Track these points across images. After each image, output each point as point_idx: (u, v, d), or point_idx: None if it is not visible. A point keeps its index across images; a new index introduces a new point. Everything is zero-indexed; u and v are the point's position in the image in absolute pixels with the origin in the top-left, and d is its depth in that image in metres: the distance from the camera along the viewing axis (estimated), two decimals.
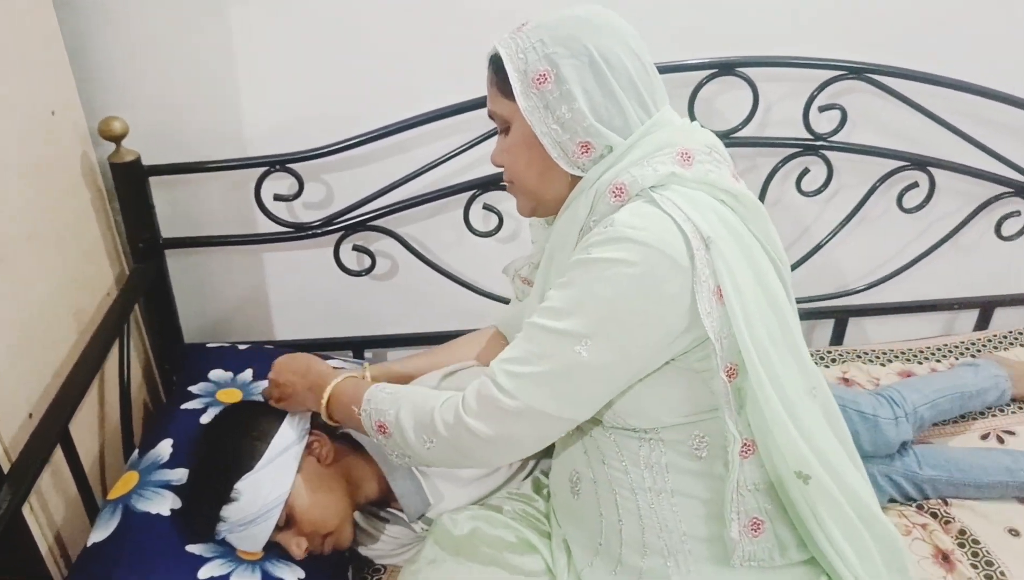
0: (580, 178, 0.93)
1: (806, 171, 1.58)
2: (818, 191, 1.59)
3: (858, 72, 1.48)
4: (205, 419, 1.26)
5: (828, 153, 1.56)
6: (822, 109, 1.52)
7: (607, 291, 0.85)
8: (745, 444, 0.92)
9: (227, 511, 1.04)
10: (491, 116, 0.98)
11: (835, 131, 1.54)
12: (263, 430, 1.09)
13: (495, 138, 1.45)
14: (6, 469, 1.03)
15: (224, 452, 1.07)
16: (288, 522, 1.08)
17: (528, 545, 1.07)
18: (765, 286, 0.90)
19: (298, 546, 1.08)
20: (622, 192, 0.89)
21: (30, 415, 1.11)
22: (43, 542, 1.11)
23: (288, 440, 1.09)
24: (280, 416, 1.12)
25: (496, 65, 0.93)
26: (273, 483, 1.05)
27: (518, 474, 1.19)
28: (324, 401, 1.05)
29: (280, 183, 1.45)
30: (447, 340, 1.58)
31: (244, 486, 1.04)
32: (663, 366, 0.91)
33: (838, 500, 0.92)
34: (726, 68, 1.45)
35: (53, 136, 1.25)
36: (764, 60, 1.46)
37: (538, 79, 0.89)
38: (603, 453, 1.00)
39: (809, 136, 1.54)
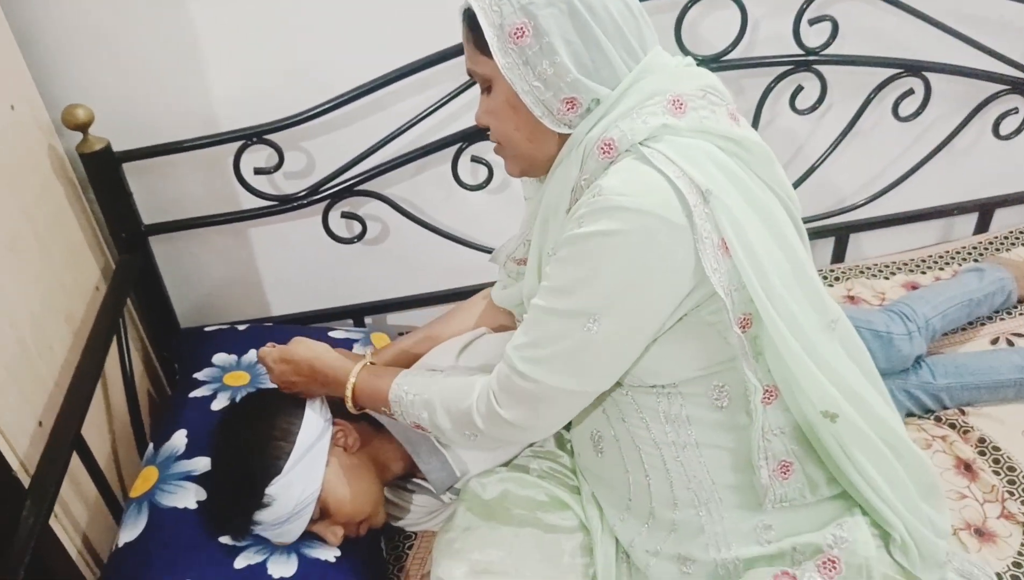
0: (569, 135, 0.89)
1: (799, 89, 1.53)
2: (812, 108, 1.55)
3: None
4: (216, 405, 1.24)
5: (821, 68, 1.51)
6: (812, 22, 1.46)
7: (606, 266, 0.83)
8: (767, 391, 0.91)
9: (261, 515, 1.03)
10: (471, 75, 0.93)
11: (827, 44, 1.49)
12: (286, 428, 1.06)
13: (476, 88, 1.41)
14: (25, 483, 1.01)
15: (250, 458, 1.04)
16: (322, 514, 1.07)
17: (560, 502, 1.07)
18: (773, 228, 0.87)
19: (334, 535, 1.08)
20: (611, 148, 0.85)
21: (40, 423, 1.09)
22: (72, 548, 1.11)
23: (313, 435, 1.07)
24: (301, 409, 1.09)
25: (471, 20, 0.87)
26: (304, 482, 1.04)
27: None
28: (349, 402, 1.07)
29: (258, 156, 1.40)
30: (446, 300, 1.57)
31: (275, 490, 1.02)
32: (675, 324, 0.89)
33: (867, 434, 0.91)
34: None
35: (16, 132, 1.19)
36: None
37: (515, 33, 0.84)
38: (622, 411, 0.99)
39: (800, 52, 1.49)
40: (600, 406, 1.01)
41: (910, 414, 1.34)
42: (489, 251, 1.58)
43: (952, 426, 1.31)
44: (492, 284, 1.25)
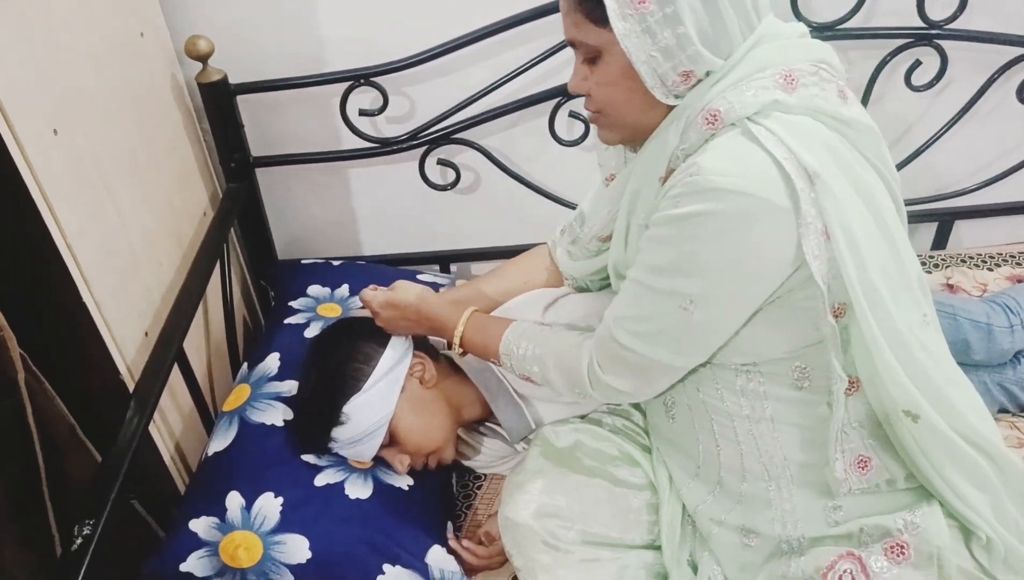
0: (673, 105, 0.86)
1: (917, 63, 1.46)
2: (929, 85, 1.48)
3: None
4: (309, 333, 1.30)
5: (943, 43, 1.43)
6: None
7: (704, 249, 0.81)
8: (851, 382, 0.89)
9: (336, 432, 1.08)
10: (572, 44, 0.88)
11: (952, 17, 1.41)
12: (368, 353, 1.11)
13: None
14: (130, 387, 1.09)
15: (332, 376, 1.10)
16: (392, 440, 1.12)
17: (630, 459, 1.08)
18: (876, 215, 0.84)
19: (400, 463, 1.12)
20: (716, 119, 0.82)
21: (146, 334, 1.17)
22: (166, 453, 1.19)
23: (392, 361, 1.11)
24: (386, 336, 1.14)
25: None
26: (378, 405, 1.08)
27: None
28: (457, 344, 1.09)
29: (364, 97, 1.43)
30: None
31: (351, 409, 1.07)
32: (767, 305, 0.87)
33: (950, 437, 0.88)
34: None
35: (142, 59, 1.25)
36: None
37: None
38: (699, 380, 0.98)
39: (923, 24, 1.41)
40: None
41: (1003, 410, 1.29)
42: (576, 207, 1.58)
43: None
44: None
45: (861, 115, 0.86)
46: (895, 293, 0.85)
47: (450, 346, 1.11)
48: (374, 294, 1.14)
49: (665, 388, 0.99)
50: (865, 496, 0.93)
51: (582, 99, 1.41)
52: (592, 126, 1.44)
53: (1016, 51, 1.46)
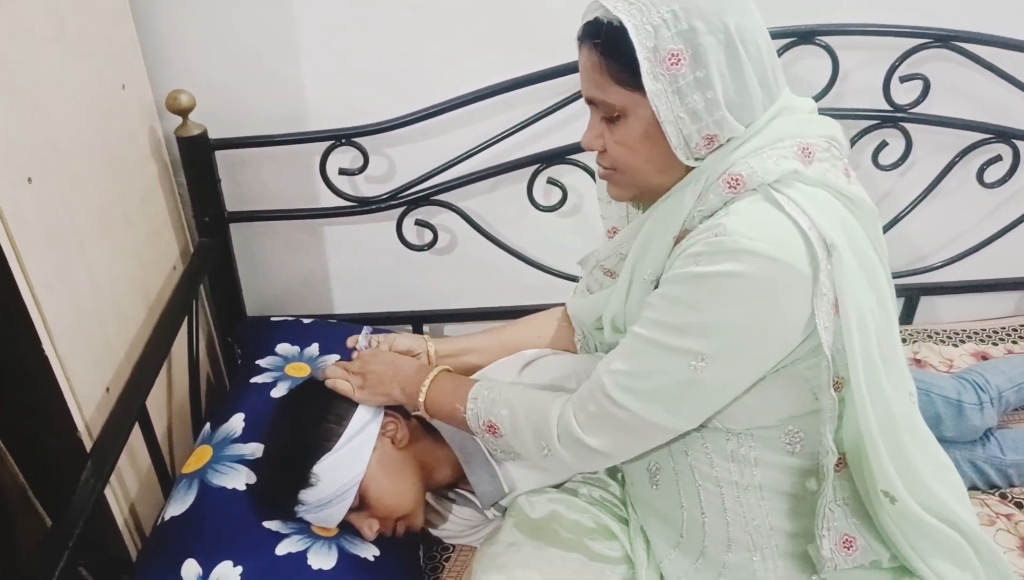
0: (692, 168, 0.87)
1: (884, 144, 1.51)
2: (895, 165, 1.53)
3: (944, 40, 1.41)
4: (276, 393, 1.26)
5: (908, 125, 1.49)
6: (903, 79, 1.45)
7: (724, 310, 0.81)
8: (839, 458, 0.89)
9: (305, 494, 1.04)
10: (592, 103, 0.88)
11: (916, 102, 1.47)
12: (339, 412, 1.09)
13: (562, 112, 1.41)
14: (88, 446, 1.04)
15: (301, 435, 1.07)
16: (362, 504, 1.08)
17: (607, 531, 1.05)
18: (878, 292, 0.85)
19: (370, 528, 1.08)
20: (739, 183, 0.83)
21: (107, 390, 1.12)
22: (120, 516, 1.13)
23: (363, 421, 1.09)
24: None
25: (608, 43, 0.81)
26: (349, 466, 1.05)
27: None
28: (423, 398, 1.05)
29: (344, 157, 1.44)
30: (507, 316, 1.57)
31: (321, 469, 1.04)
32: (771, 374, 0.87)
33: (927, 521, 0.88)
34: (805, 36, 1.39)
35: (123, 111, 1.24)
36: (845, 28, 1.39)
37: (670, 59, 0.78)
38: (687, 445, 0.97)
39: (889, 107, 1.47)
40: None
41: (974, 487, 1.29)
42: (556, 273, 1.59)
43: (1018, 505, 1.26)
44: (560, 305, 1.25)
45: (863, 195, 0.87)
46: (888, 370, 0.86)
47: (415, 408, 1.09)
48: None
49: (639, 453, 0.97)
50: (849, 571, 0.92)
51: (561, 167, 1.47)
52: (569, 193, 1.48)
53: (976, 136, 1.52)
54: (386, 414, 1.13)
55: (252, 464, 1.13)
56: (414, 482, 1.12)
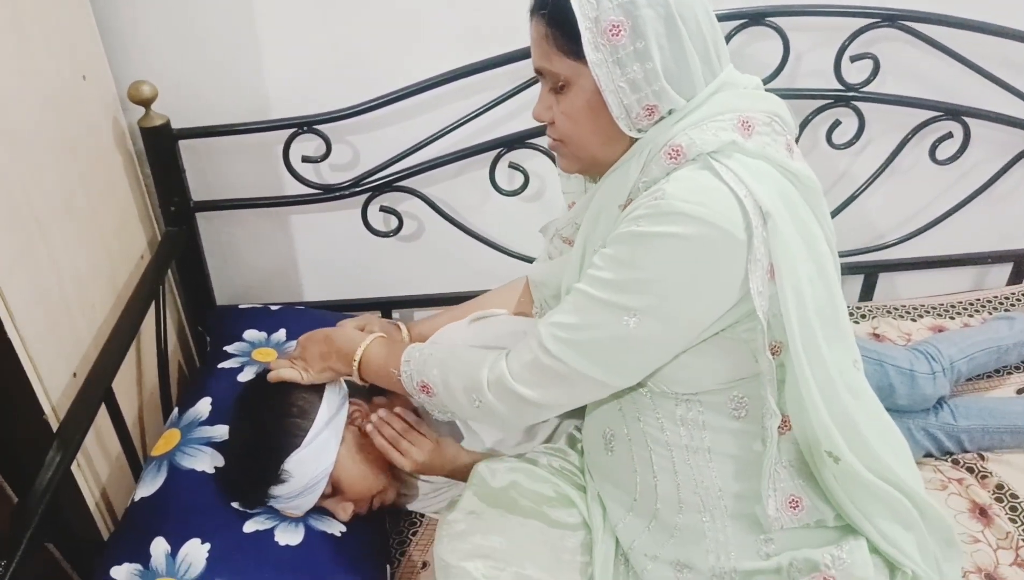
0: (635, 140, 0.90)
1: (837, 123, 1.55)
2: (849, 143, 1.57)
3: (892, 19, 1.45)
4: (242, 377, 1.28)
5: (860, 104, 1.53)
6: (854, 59, 1.48)
7: (659, 268, 0.84)
8: (783, 420, 0.92)
9: (276, 490, 1.06)
10: (539, 73, 0.91)
11: (867, 81, 1.51)
12: (304, 407, 1.09)
13: (522, 96, 1.43)
14: (55, 428, 1.06)
15: (268, 433, 1.07)
16: (334, 490, 1.10)
17: (566, 499, 1.08)
18: (817, 261, 0.88)
19: (344, 511, 1.11)
20: (678, 154, 0.86)
21: (74, 374, 1.14)
22: (91, 498, 1.15)
23: (329, 413, 1.10)
24: (319, 390, 1.12)
25: (553, 15, 0.85)
26: (318, 458, 1.07)
27: (552, 432, 1.20)
28: (356, 363, 1.06)
29: (307, 145, 1.45)
30: (473, 299, 1.59)
31: (292, 466, 1.05)
32: (710, 337, 0.90)
33: (870, 479, 0.91)
34: (756, 18, 1.42)
35: (84, 102, 1.26)
36: (795, 9, 1.43)
37: (610, 30, 0.82)
38: (639, 410, 1.00)
39: (840, 87, 1.51)
40: (617, 404, 1.02)
41: (928, 454, 1.33)
42: (520, 257, 1.62)
43: (970, 470, 1.29)
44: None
45: (806, 170, 0.90)
46: (829, 336, 0.88)
47: (359, 385, 1.10)
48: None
49: (565, 410, 1.00)
50: (796, 531, 0.95)
51: (523, 152, 1.50)
52: (532, 177, 1.51)
53: (926, 114, 1.56)
54: (350, 402, 1.15)
55: (219, 446, 1.15)
56: (383, 462, 1.14)
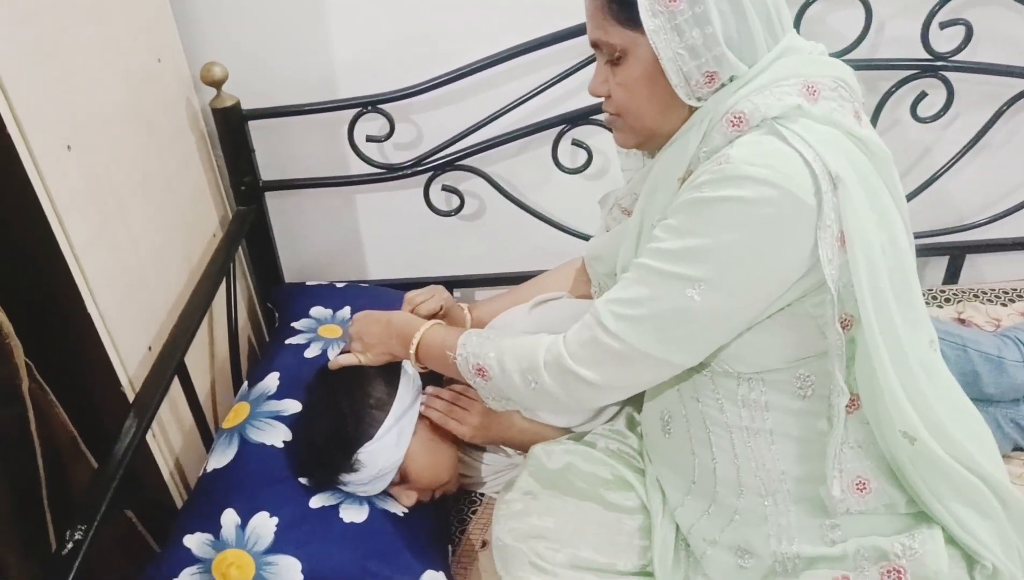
0: (694, 109, 0.87)
1: (923, 95, 1.46)
2: (935, 117, 1.48)
3: None
4: (309, 354, 1.31)
5: (949, 74, 1.44)
6: (943, 26, 1.39)
7: (724, 234, 0.80)
8: (851, 398, 0.88)
9: (347, 478, 1.08)
10: (595, 46, 0.89)
11: (957, 50, 1.41)
12: (381, 398, 1.10)
13: (584, 71, 1.40)
14: (131, 399, 1.11)
15: (345, 422, 1.08)
16: (402, 479, 1.12)
17: (624, 482, 1.06)
18: (890, 231, 0.83)
19: (408, 498, 1.12)
20: (741, 121, 0.82)
21: (149, 348, 1.19)
22: (165, 467, 1.20)
23: (404, 406, 1.10)
24: (396, 382, 1.12)
25: None
26: (390, 450, 1.08)
27: (616, 412, 1.19)
28: (414, 348, 1.06)
29: (371, 124, 1.47)
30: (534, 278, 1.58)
31: (364, 456, 1.06)
32: (776, 313, 0.86)
33: (947, 462, 0.86)
34: None
35: (159, 83, 1.30)
36: None
37: None
38: (697, 391, 0.97)
39: (928, 56, 1.42)
40: (675, 385, 0.99)
41: (1017, 447, 1.25)
42: (581, 236, 1.60)
43: None
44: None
45: (875, 136, 0.86)
46: (904, 311, 0.84)
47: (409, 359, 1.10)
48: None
49: (627, 395, 0.97)
50: (864, 516, 0.91)
51: (586, 129, 1.47)
52: (595, 155, 1.48)
53: (1022, 84, 1.45)
54: (424, 393, 1.15)
55: (287, 421, 1.18)
56: (451, 454, 1.15)
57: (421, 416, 1.13)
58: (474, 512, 1.24)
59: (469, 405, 1.13)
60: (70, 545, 0.89)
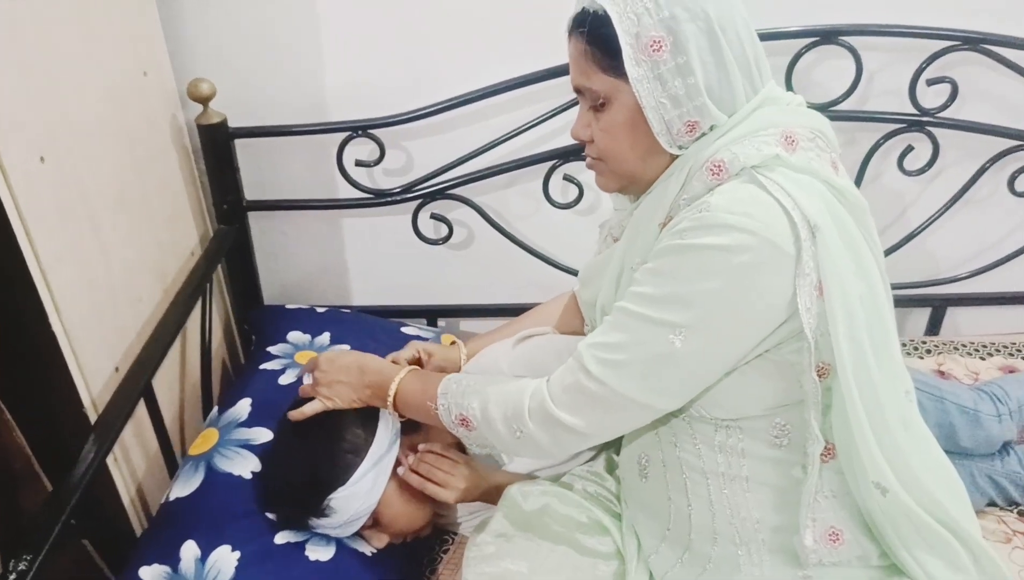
0: (676, 156, 0.87)
1: (909, 148, 1.48)
2: (921, 170, 1.49)
3: (973, 43, 1.37)
4: (283, 380, 1.27)
5: (935, 130, 1.46)
6: (931, 82, 1.41)
7: (705, 281, 0.80)
8: (827, 447, 0.88)
9: (318, 522, 1.05)
10: (578, 91, 0.90)
11: (944, 106, 1.43)
12: (357, 443, 1.05)
13: (575, 109, 1.41)
14: (93, 421, 1.06)
15: (318, 466, 1.04)
16: (375, 523, 1.09)
17: (600, 526, 1.04)
18: (867, 281, 0.84)
19: (379, 540, 1.09)
20: (721, 170, 0.83)
21: (116, 369, 1.14)
22: (126, 493, 1.15)
23: (380, 452, 1.06)
24: (374, 426, 1.07)
25: (593, 32, 0.83)
26: (364, 496, 1.04)
27: (595, 455, 1.16)
28: (391, 399, 1.02)
29: (361, 149, 1.45)
30: (520, 311, 1.56)
31: (337, 502, 1.03)
32: (754, 359, 0.86)
33: (919, 515, 0.86)
34: (828, 36, 1.36)
35: (144, 97, 1.27)
36: (870, 28, 1.36)
37: (651, 45, 0.81)
38: (676, 436, 0.96)
39: (915, 111, 1.44)
40: (654, 429, 0.99)
41: (991, 503, 1.25)
42: (570, 271, 1.59)
43: None
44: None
45: (852, 187, 0.87)
46: (880, 361, 0.84)
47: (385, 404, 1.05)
48: (316, 356, 1.11)
49: (620, 434, 0.96)
50: (837, 568, 0.91)
51: (578, 164, 1.47)
52: (586, 190, 1.48)
53: (1007, 142, 1.48)
54: (401, 441, 1.10)
55: (256, 450, 1.14)
56: (428, 502, 1.11)
57: (398, 463, 1.09)
58: (445, 551, 1.20)
59: (452, 468, 1.08)
60: (12, 576, 0.84)
